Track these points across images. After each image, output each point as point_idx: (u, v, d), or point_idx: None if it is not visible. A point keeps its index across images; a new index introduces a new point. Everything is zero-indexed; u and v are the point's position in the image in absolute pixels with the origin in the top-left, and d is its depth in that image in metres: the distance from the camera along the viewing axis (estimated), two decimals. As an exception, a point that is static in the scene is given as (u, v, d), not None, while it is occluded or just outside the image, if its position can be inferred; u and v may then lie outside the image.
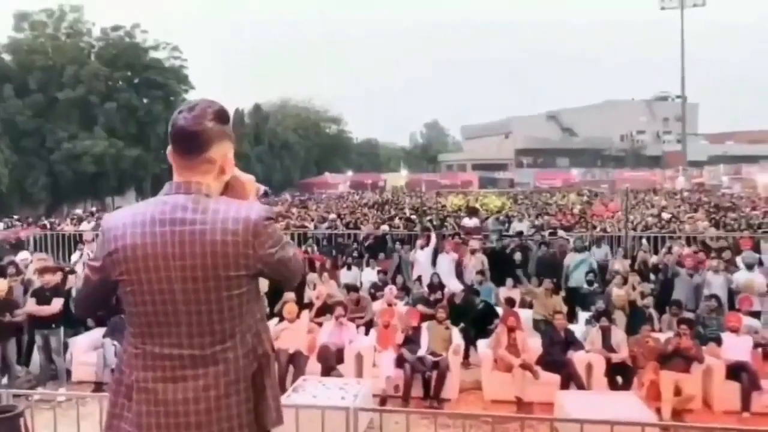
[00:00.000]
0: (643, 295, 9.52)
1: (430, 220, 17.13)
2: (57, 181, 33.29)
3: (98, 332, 8.32)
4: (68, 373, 8.08)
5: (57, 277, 8.34)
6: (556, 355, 7.80)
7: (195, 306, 1.77)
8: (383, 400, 7.53)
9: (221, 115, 1.87)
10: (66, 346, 8.10)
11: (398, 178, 50.42)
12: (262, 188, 2.06)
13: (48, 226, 18.15)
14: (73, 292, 8.13)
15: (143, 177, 36.01)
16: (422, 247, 11.87)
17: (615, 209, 19.07)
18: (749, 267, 9.69)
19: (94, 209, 27.29)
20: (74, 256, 12.14)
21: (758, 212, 20.27)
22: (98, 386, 7.71)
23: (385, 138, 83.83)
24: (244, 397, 1.82)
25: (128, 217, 1.86)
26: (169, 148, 1.87)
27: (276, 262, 1.84)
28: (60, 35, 36.81)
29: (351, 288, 10.13)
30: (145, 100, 36.33)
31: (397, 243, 12.46)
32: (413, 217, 17.97)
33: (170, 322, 1.79)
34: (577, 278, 11.06)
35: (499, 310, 9.26)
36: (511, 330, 8.06)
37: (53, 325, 7.89)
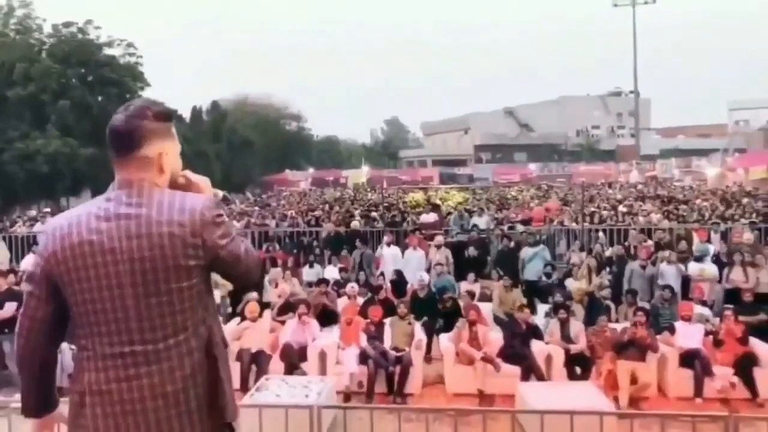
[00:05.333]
0: (600, 287, 9.75)
1: (393, 216, 17.20)
2: (9, 181, 32.27)
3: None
4: (23, 379, 7.87)
5: (10, 281, 8.13)
6: (517, 348, 7.94)
7: (144, 299, 1.75)
8: (347, 397, 7.56)
9: (159, 114, 1.87)
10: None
11: (359, 175, 50.34)
12: (221, 193, 2.04)
13: (-1, 229, 17.61)
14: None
15: (99, 177, 34.92)
16: (388, 244, 11.92)
17: (555, 208, 19.43)
18: (701, 258, 10.02)
19: (48, 210, 26.56)
20: (27, 259, 11.80)
21: (707, 203, 20.88)
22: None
23: (345, 135, 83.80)
24: (201, 390, 1.80)
25: (72, 216, 1.84)
26: None
27: (227, 255, 1.82)
28: (8, 32, 35.58)
29: (321, 282, 10.14)
30: (99, 98, 35.39)
31: (358, 240, 12.46)
32: (373, 214, 17.99)
33: (119, 319, 1.75)
34: (533, 271, 11.26)
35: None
36: (472, 324, 8.17)
37: (6, 330, 7.68)
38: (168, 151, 1.89)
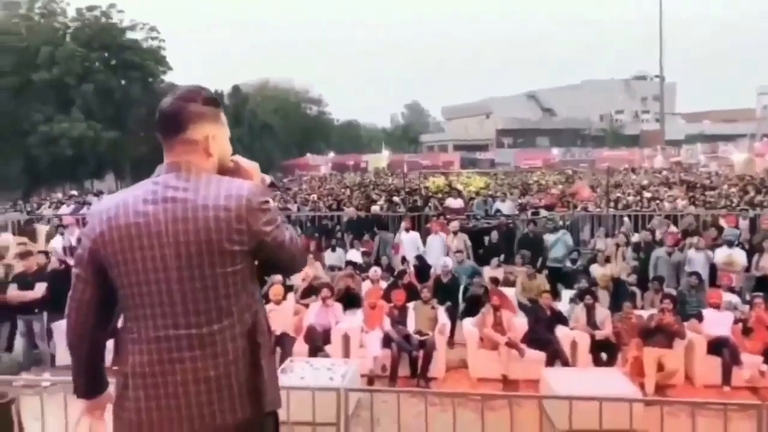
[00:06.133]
0: (626, 273, 9.64)
1: (415, 201, 17.14)
2: (34, 165, 32.72)
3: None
4: (52, 358, 8.00)
5: (39, 261, 8.24)
6: (542, 333, 7.88)
7: (190, 283, 1.75)
8: (370, 380, 7.58)
9: (208, 98, 1.88)
10: (50, 332, 8.00)
11: (380, 159, 50.28)
12: (268, 178, 2.04)
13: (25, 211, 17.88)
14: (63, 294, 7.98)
15: (122, 160, 35.52)
16: (407, 230, 11.88)
17: (587, 195, 19.06)
18: (729, 244, 9.83)
19: (74, 192, 26.89)
20: (54, 241, 11.96)
21: (735, 190, 20.52)
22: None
23: (365, 119, 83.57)
24: (243, 377, 1.80)
25: (120, 199, 1.84)
26: None
27: (271, 242, 1.81)
28: (34, 15, 35.93)
29: (348, 264, 10.22)
30: (122, 82, 35.71)
31: (376, 225, 12.45)
32: (395, 198, 17.95)
33: (164, 302, 1.76)
34: (556, 257, 11.18)
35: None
36: (496, 309, 8.13)
37: (36, 311, 7.80)
38: (216, 135, 1.89)
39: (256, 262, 1.87)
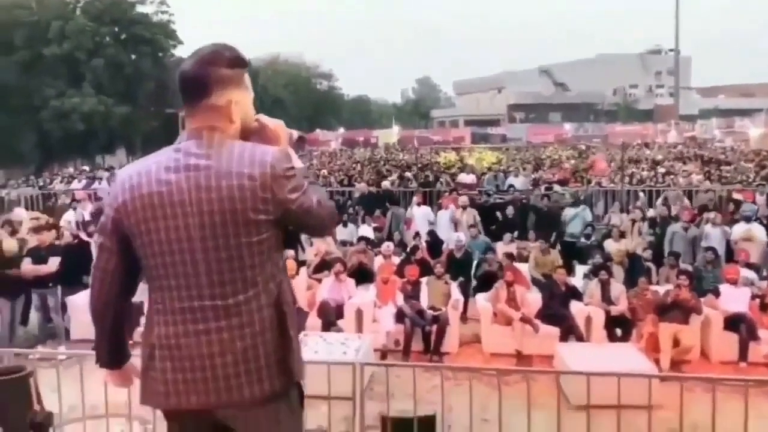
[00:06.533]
0: (642, 248, 9.54)
1: (426, 176, 17.02)
2: (46, 139, 32.79)
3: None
4: (66, 332, 8.05)
5: (52, 236, 8.25)
6: (556, 309, 7.84)
7: (214, 253, 1.70)
8: (384, 355, 7.58)
9: (232, 60, 1.79)
10: (64, 306, 8.04)
11: (390, 135, 49.95)
12: (296, 133, 1.95)
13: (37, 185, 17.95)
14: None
15: (133, 135, 35.52)
16: (419, 204, 11.80)
17: (603, 168, 18.84)
18: (747, 219, 9.70)
19: (85, 168, 26.98)
20: (67, 215, 12.00)
21: (751, 165, 20.26)
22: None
23: (376, 94, 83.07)
24: (271, 347, 1.75)
25: (141, 167, 1.79)
26: None
27: (297, 208, 1.75)
28: (44, -11, 35.73)
29: (361, 239, 10.18)
30: (132, 56, 35.49)
31: (387, 200, 12.38)
32: (407, 174, 17.85)
33: (189, 273, 1.72)
34: (573, 232, 11.08)
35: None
36: (510, 284, 8.08)
37: (50, 285, 7.83)
38: (239, 99, 1.81)
39: (285, 229, 1.81)
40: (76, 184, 17.24)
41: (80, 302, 8.25)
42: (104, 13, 34.80)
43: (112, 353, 1.95)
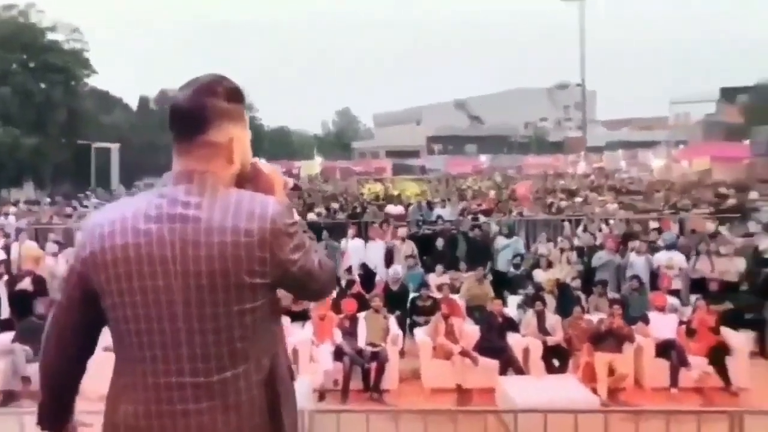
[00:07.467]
0: (571, 277, 9.75)
1: (355, 208, 16.91)
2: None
3: (7, 336, 7.56)
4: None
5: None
6: (494, 341, 7.82)
7: (199, 323, 1.43)
8: (322, 395, 7.32)
9: (230, 93, 1.56)
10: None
11: (312, 166, 49.68)
12: (291, 182, 1.77)
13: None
14: None
15: (42, 167, 33.59)
16: (353, 237, 11.66)
17: (527, 189, 19.49)
18: (669, 247, 10.12)
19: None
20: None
21: (661, 194, 21.34)
22: (8, 395, 7.12)
23: (296, 125, 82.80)
24: None
25: (115, 213, 1.52)
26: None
27: (298, 271, 1.52)
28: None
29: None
30: (42, 85, 33.74)
31: (325, 231, 12.14)
32: (333, 205, 17.68)
33: (167, 344, 1.44)
34: (503, 262, 11.23)
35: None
36: (446, 317, 8.02)
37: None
38: (240, 137, 1.58)
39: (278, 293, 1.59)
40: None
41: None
42: (12, 40, 33.00)
43: (57, 416, 1.69)
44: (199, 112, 1.52)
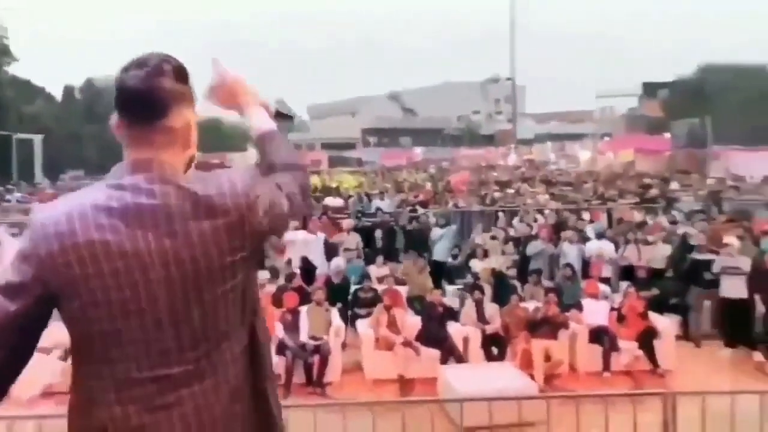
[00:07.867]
0: (506, 267, 9.99)
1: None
2: None
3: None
4: None
5: None
6: (435, 330, 7.93)
7: (185, 313, 1.38)
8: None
9: (181, 73, 1.47)
10: None
11: (246, 158, 48.89)
12: (272, 107, 1.67)
13: None
14: None
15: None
16: (296, 229, 11.54)
17: (466, 179, 19.83)
18: (599, 237, 10.51)
19: None
20: None
21: (589, 185, 22.08)
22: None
23: (228, 116, 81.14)
24: (250, 406, 1.47)
25: (68, 208, 1.39)
26: (114, 118, 1.45)
27: (270, 225, 1.47)
28: None
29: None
30: (-44, 75, 31.90)
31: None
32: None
33: (150, 339, 1.37)
34: (440, 252, 11.39)
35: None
36: (389, 308, 8.08)
37: None
38: (193, 120, 1.50)
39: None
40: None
41: None
42: None
43: None
44: (157, 94, 1.41)
